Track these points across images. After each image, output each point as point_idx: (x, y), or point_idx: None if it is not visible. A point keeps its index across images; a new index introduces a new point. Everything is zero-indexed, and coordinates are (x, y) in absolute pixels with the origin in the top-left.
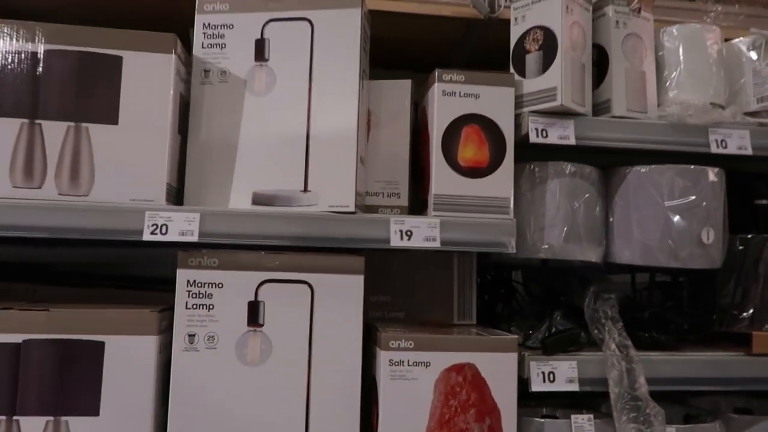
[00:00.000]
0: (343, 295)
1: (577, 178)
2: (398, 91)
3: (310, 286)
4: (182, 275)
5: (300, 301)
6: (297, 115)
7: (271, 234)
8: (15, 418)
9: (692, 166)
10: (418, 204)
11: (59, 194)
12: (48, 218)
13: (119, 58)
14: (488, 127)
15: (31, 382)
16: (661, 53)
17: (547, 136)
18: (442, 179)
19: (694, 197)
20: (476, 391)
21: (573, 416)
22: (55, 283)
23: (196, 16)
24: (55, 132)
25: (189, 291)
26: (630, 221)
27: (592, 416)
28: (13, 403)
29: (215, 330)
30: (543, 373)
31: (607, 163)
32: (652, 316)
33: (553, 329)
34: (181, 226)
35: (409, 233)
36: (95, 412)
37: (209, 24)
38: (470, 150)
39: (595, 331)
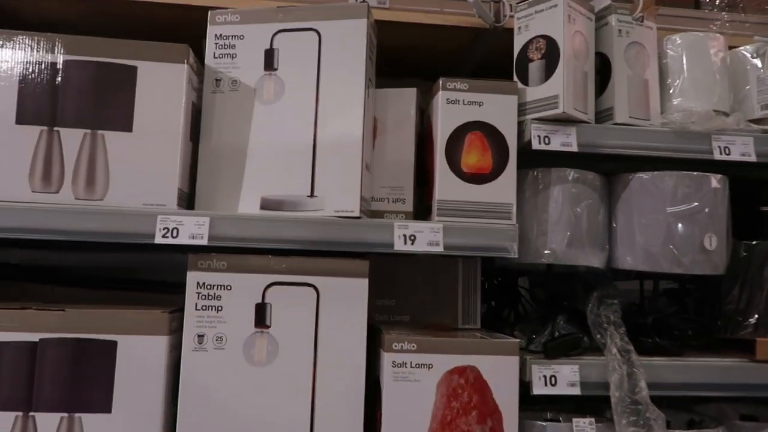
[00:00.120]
0: (348, 297)
1: (580, 184)
2: (403, 99)
3: (316, 289)
4: (192, 277)
5: (306, 304)
6: (304, 123)
7: (278, 238)
8: (31, 414)
9: (694, 173)
10: (423, 209)
11: (76, 199)
12: (65, 222)
13: (134, 68)
14: (491, 134)
15: (46, 379)
16: (665, 61)
17: (549, 143)
18: (446, 185)
19: (696, 203)
20: (478, 394)
21: (575, 420)
22: (72, 285)
23: (209, 27)
24: (72, 139)
25: (198, 293)
26: (633, 227)
27: (593, 420)
28: (29, 399)
29: (223, 331)
30: (545, 376)
31: (613, 169)
32: (656, 322)
33: (556, 333)
34: (192, 229)
35: (412, 238)
36: (107, 409)
37: (221, 35)
38: (473, 156)
39: (598, 336)
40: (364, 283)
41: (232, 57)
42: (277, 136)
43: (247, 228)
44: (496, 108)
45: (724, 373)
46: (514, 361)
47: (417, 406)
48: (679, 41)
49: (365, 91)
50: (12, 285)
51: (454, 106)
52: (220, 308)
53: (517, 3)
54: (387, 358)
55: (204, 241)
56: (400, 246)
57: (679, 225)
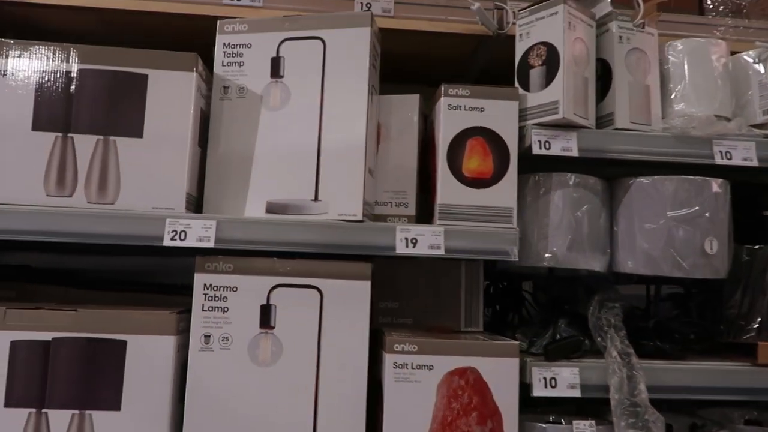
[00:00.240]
0: (351, 299)
1: (581, 188)
2: (407, 105)
3: (320, 291)
4: (199, 279)
5: (310, 305)
6: (309, 129)
7: (282, 241)
8: (44, 410)
9: (695, 177)
10: (427, 214)
11: (88, 202)
12: (77, 225)
13: (145, 76)
14: (492, 139)
15: (58, 377)
16: (667, 67)
17: (549, 148)
18: (448, 189)
19: (697, 208)
20: (478, 395)
21: (575, 422)
22: (85, 287)
23: (217, 36)
24: (85, 145)
25: (205, 294)
26: (634, 231)
27: (594, 422)
28: (42, 396)
29: (229, 331)
30: (545, 378)
31: (614, 174)
32: (657, 326)
33: (557, 336)
34: (199, 232)
35: (414, 241)
36: (117, 406)
37: (229, 43)
38: (475, 161)
39: (599, 339)
40: (366, 285)
41: (240, 65)
42: (283, 142)
43: (253, 231)
44: (497, 114)
45: (725, 376)
46: (514, 363)
47: (418, 407)
48: (681, 47)
49: (368, 98)
50: (28, 287)
51: (456, 111)
52: (226, 309)
53: (519, 10)
54: (388, 359)
55: (211, 244)
56: (401, 249)
57: (680, 229)
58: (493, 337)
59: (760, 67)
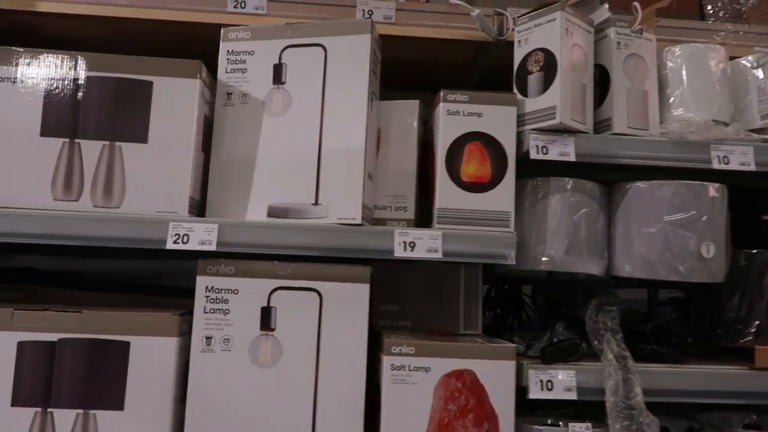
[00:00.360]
0: (350, 302)
1: (578, 192)
2: (407, 110)
3: (319, 294)
4: (201, 282)
5: (309, 308)
6: (310, 134)
7: (283, 244)
8: (49, 410)
9: (691, 182)
10: (426, 218)
11: (94, 206)
12: (83, 228)
13: (150, 83)
14: (491, 144)
15: (64, 377)
16: (665, 72)
17: (547, 153)
18: (446, 194)
19: (694, 212)
20: (475, 397)
21: (571, 424)
22: (91, 290)
23: (221, 44)
24: (91, 150)
25: (207, 296)
26: (631, 235)
27: (590, 425)
28: (47, 396)
29: (230, 333)
30: (541, 381)
31: (612, 179)
32: (655, 329)
33: (555, 339)
34: (201, 236)
35: (412, 245)
36: (120, 406)
37: (232, 51)
38: (473, 166)
39: (595, 342)
40: (365, 288)
41: (243, 72)
42: (284, 147)
43: (254, 234)
44: (496, 119)
45: (722, 380)
46: (510, 365)
47: (415, 409)
48: (679, 52)
49: (368, 104)
50: (34, 289)
51: (455, 117)
52: (227, 311)
53: (519, 17)
54: (386, 361)
55: (213, 247)
56: (400, 252)
57: (677, 233)
58: (490, 340)
59: (759, 72)
